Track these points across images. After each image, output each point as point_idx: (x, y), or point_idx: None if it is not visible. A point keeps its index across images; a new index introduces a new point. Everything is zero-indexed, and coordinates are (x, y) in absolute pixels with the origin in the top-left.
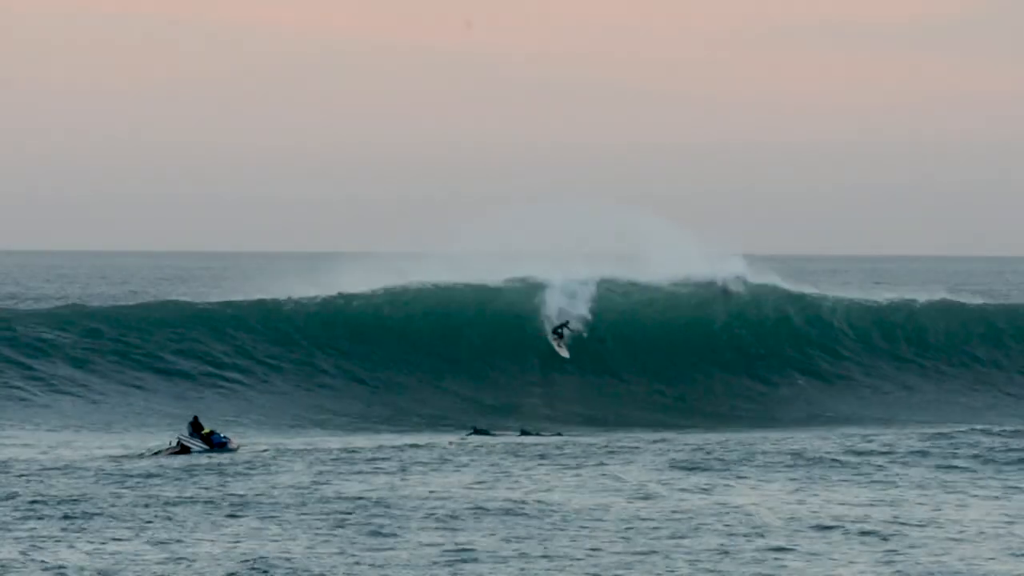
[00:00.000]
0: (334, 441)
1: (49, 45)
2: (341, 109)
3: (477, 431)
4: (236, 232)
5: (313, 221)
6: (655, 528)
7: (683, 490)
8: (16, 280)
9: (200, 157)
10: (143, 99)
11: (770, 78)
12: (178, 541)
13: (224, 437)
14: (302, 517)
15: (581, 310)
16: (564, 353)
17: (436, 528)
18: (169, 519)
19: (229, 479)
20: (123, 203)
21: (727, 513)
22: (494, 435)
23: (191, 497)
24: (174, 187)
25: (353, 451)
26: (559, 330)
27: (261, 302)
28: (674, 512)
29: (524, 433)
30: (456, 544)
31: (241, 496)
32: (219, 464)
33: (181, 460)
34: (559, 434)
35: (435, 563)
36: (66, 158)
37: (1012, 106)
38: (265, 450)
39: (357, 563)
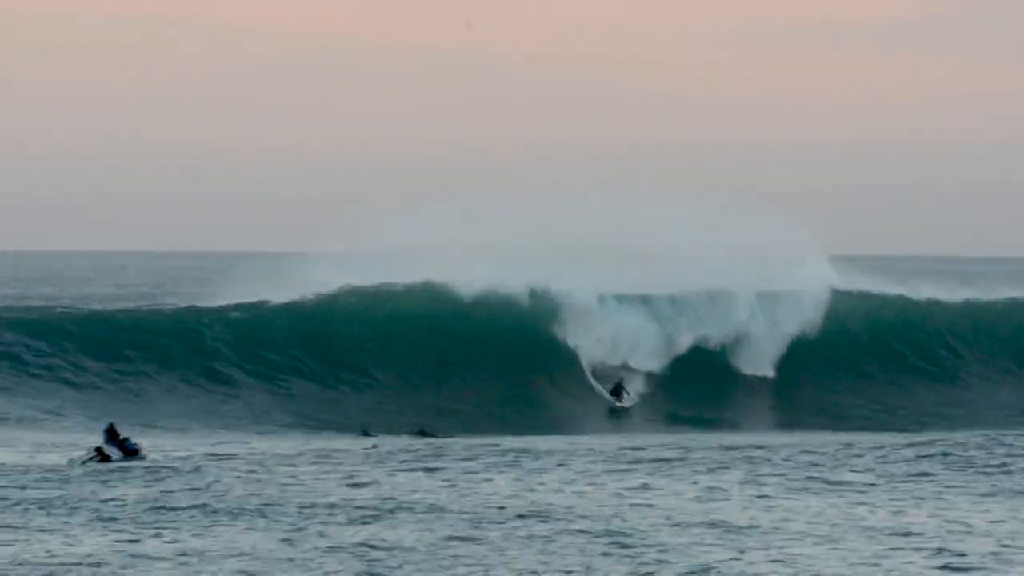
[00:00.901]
0: (261, 444)
1: (49, 45)
2: (341, 109)
3: (367, 433)
4: (236, 232)
5: (313, 221)
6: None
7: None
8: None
9: (200, 157)
10: (143, 99)
11: (770, 78)
12: (130, 542)
13: (135, 444)
14: (232, 518)
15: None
16: (626, 404)
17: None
18: (104, 521)
19: (167, 482)
20: (123, 203)
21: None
22: (372, 435)
23: (123, 499)
24: (174, 187)
25: (287, 455)
26: (618, 390)
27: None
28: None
29: (423, 434)
30: (364, 542)
31: (177, 499)
32: (151, 469)
33: (106, 466)
34: (451, 436)
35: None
36: (66, 158)
37: (1012, 106)
38: (189, 456)
39: (291, 560)
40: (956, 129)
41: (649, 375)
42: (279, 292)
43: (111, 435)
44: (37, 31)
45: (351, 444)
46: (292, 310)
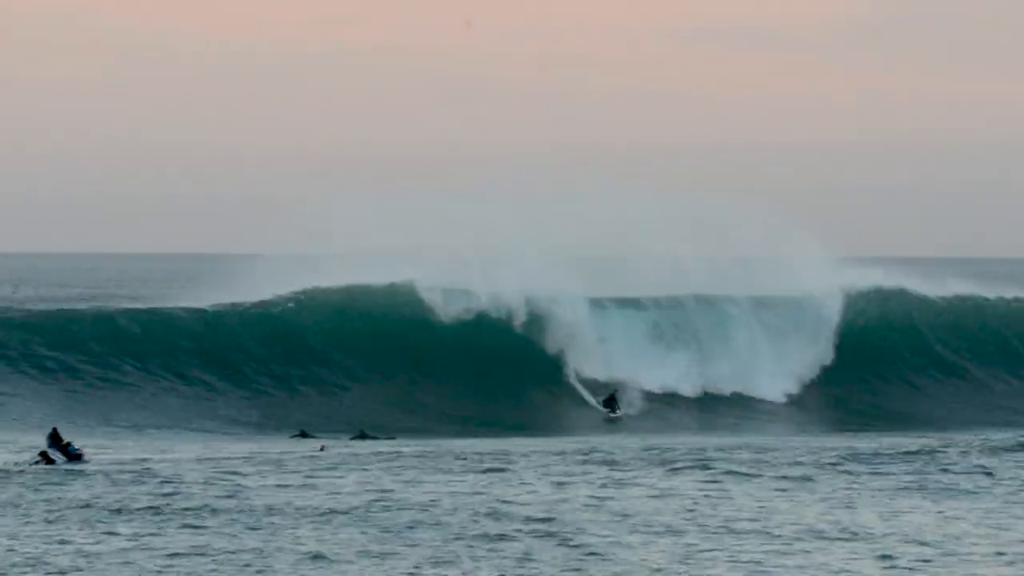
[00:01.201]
0: (215, 445)
1: (49, 45)
2: (341, 109)
3: (304, 435)
4: (236, 232)
5: (313, 221)
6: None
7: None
8: None
9: (200, 157)
10: (143, 99)
11: (770, 78)
12: (79, 543)
13: (78, 449)
14: (182, 518)
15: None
16: (619, 415)
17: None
18: (51, 523)
19: (119, 484)
20: (123, 203)
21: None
22: (310, 436)
23: (72, 501)
24: (174, 187)
25: (240, 456)
26: (611, 401)
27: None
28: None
29: (362, 436)
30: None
31: (123, 502)
32: (103, 471)
33: (54, 469)
34: (392, 438)
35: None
36: (66, 158)
37: (1012, 106)
38: (143, 457)
39: (241, 560)
40: (956, 129)
41: (640, 383)
42: (248, 292)
43: (54, 439)
44: (37, 31)
45: (298, 446)
46: (259, 311)
